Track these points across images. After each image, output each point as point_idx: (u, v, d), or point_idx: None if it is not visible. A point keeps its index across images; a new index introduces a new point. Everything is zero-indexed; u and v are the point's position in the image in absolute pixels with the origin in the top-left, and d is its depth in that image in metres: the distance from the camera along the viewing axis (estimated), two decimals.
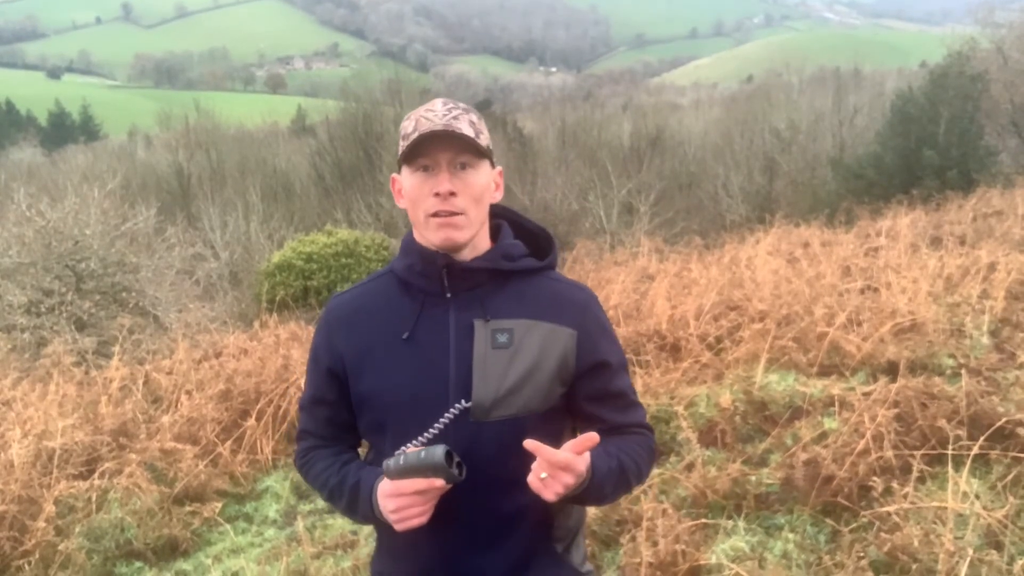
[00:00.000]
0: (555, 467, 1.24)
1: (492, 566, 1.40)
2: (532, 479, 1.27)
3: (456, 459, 1.30)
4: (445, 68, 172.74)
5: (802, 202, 19.66)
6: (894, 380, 3.88)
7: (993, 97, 18.42)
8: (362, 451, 1.59)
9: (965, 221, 9.89)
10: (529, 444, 1.25)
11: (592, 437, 1.25)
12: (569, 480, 1.26)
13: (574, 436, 1.52)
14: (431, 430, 1.35)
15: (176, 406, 4.90)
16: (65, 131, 62.13)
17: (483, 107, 38.30)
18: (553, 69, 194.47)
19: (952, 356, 4.53)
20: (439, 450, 1.27)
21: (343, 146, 26.38)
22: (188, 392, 5.08)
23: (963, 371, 3.88)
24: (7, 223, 10.79)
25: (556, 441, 1.45)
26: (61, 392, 5.10)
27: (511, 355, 1.38)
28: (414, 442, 1.36)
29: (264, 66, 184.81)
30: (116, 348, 6.11)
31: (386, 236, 16.18)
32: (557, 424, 1.46)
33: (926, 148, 16.05)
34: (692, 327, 5.52)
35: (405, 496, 1.30)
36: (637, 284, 7.79)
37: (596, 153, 25.73)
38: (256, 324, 8.38)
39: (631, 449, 1.45)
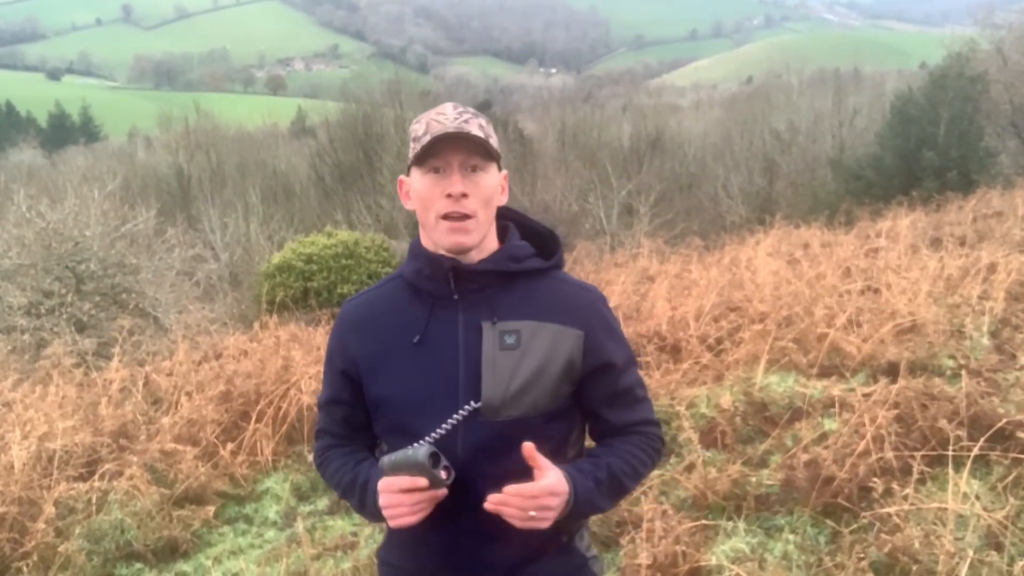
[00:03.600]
0: (535, 500, 1.30)
1: (500, 559, 1.43)
2: (521, 521, 1.31)
3: (443, 462, 1.33)
4: (445, 69, 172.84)
5: (802, 203, 19.65)
6: (894, 381, 3.88)
7: (993, 98, 18.44)
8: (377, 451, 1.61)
9: (965, 222, 9.90)
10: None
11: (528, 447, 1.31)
12: (552, 502, 1.32)
13: (583, 434, 1.56)
14: (440, 429, 1.39)
15: (176, 407, 4.90)
16: (65, 132, 62.23)
17: (483, 108, 38.16)
18: (553, 70, 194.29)
19: (952, 357, 4.53)
20: (422, 450, 1.32)
21: (343, 147, 26.36)
22: (188, 393, 5.08)
23: (963, 372, 3.87)
24: (7, 224, 10.80)
25: (565, 439, 1.49)
26: (61, 394, 5.10)
27: (519, 356, 1.41)
28: (426, 438, 1.39)
29: (264, 67, 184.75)
30: (116, 349, 6.11)
31: (386, 237, 16.18)
32: (565, 422, 1.49)
33: (926, 149, 16.07)
34: (692, 328, 5.53)
35: (394, 493, 1.35)
36: (637, 285, 7.80)
37: (596, 154, 25.69)
38: (256, 325, 8.35)
39: (628, 452, 1.49)
